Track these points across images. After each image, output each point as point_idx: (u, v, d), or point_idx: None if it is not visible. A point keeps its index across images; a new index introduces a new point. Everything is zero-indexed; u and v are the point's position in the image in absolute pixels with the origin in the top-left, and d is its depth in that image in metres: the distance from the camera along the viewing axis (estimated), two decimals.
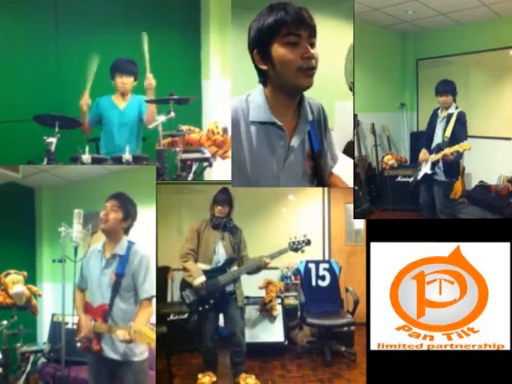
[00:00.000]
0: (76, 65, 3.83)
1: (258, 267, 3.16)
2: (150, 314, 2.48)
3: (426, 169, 3.71)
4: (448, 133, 3.62)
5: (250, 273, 3.21)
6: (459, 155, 3.50)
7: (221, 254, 3.18)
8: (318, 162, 1.80)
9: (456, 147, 3.47)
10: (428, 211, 3.88)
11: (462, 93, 3.78)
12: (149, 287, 2.48)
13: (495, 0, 4.03)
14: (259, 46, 1.61)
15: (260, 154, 1.67)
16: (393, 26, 4.85)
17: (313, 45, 1.60)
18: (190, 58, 4.35)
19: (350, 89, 2.36)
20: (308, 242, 3.25)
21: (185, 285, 3.14)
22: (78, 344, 2.49)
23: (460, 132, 3.60)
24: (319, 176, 1.85)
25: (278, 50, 1.58)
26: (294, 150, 1.73)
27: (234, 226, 3.26)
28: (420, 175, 3.76)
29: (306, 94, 1.74)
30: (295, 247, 3.23)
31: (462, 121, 3.62)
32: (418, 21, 4.68)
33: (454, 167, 3.57)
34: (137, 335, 2.30)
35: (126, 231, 2.58)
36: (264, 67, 1.62)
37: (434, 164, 3.67)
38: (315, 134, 1.78)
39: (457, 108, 3.67)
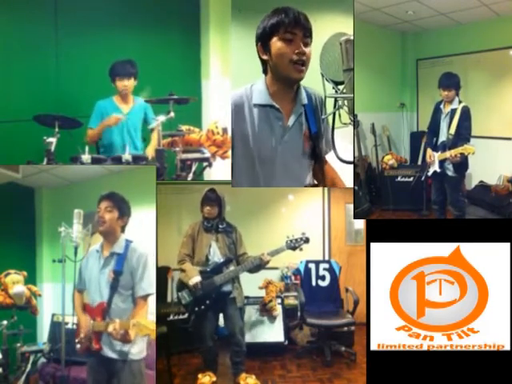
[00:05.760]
0: (76, 65, 3.84)
1: (258, 265, 3.15)
2: (145, 311, 2.47)
3: (434, 167, 3.73)
4: (452, 130, 3.62)
5: (250, 271, 3.19)
6: (464, 156, 3.51)
7: (216, 256, 3.16)
8: (316, 143, 2.09)
9: (460, 150, 3.47)
10: (438, 208, 3.91)
11: (462, 92, 3.78)
12: (146, 285, 2.49)
13: (495, 0, 4.04)
14: (262, 39, 1.93)
15: (261, 132, 1.98)
16: (393, 25, 4.85)
17: (307, 44, 1.90)
18: (190, 58, 4.35)
19: (327, 80, 2.39)
20: (306, 240, 3.21)
21: (181, 286, 3.13)
22: (78, 346, 2.49)
23: (464, 129, 3.60)
24: (317, 156, 2.13)
25: (276, 44, 1.89)
26: (290, 130, 2.03)
27: (227, 226, 3.24)
28: (430, 172, 3.77)
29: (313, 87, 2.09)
30: (293, 245, 3.19)
31: (465, 116, 3.61)
32: (418, 21, 4.68)
33: (462, 162, 3.58)
34: (136, 328, 2.30)
35: (123, 229, 2.59)
36: (265, 57, 1.94)
37: (442, 162, 3.69)
38: (312, 117, 2.07)
39: (460, 102, 3.66)
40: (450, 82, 3.67)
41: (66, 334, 2.85)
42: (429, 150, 3.79)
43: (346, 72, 2.34)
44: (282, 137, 2.01)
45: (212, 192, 3.21)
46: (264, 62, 1.98)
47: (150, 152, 3.60)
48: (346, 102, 2.34)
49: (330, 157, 2.24)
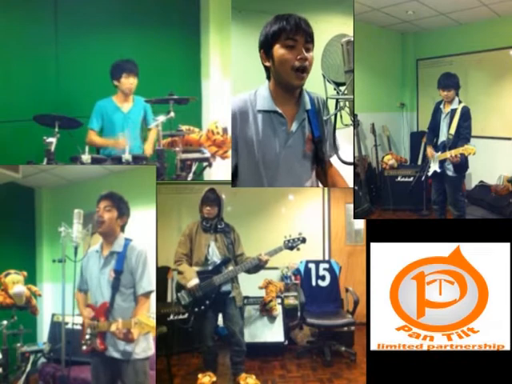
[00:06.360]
0: (76, 65, 3.84)
1: (257, 266, 3.15)
2: (147, 309, 2.48)
3: (434, 166, 3.73)
4: (452, 130, 3.62)
5: (248, 272, 3.20)
6: (464, 156, 3.51)
7: (215, 256, 3.16)
8: (318, 147, 2.12)
9: (461, 150, 3.47)
10: (438, 208, 3.90)
11: (462, 93, 3.78)
12: (146, 283, 2.50)
13: (495, 0, 4.03)
14: (265, 46, 1.96)
15: (265, 137, 2.01)
16: (393, 25, 4.85)
17: (308, 49, 1.93)
18: (190, 58, 4.35)
19: (328, 81, 2.39)
20: (303, 240, 3.23)
21: (180, 287, 3.13)
22: (84, 347, 2.50)
23: (464, 129, 3.60)
24: (320, 160, 2.15)
25: (279, 51, 1.92)
26: (294, 135, 2.06)
27: (225, 226, 3.25)
28: (430, 172, 3.78)
29: (312, 89, 2.11)
30: (290, 245, 3.21)
31: (465, 117, 3.61)
32: (417, 21, 4.68)
33: (462, 163, 3.57)
34: (138, 326, 2.31)
35: (123, 228, 2.59)
36: (267, 64, 1.97)
37: (442, 162, 3.69)
38: (315, 121, 2.09)
39: (460, 102, 3.66)
40: (449, 83, 3.67)
41: (66, 334, 2.86)
42: (429, 147, 3.80)
43: (347, 73, 2.34)
44: (286, 142, 2.04)
45: (212, 192, 3.21)
46: (267, 69, 2.00)
47: (148, 150, 3.60)
48: (347, 103, 2.34)
49: (332, 158, 2.25)
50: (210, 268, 3.13)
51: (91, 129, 3.56)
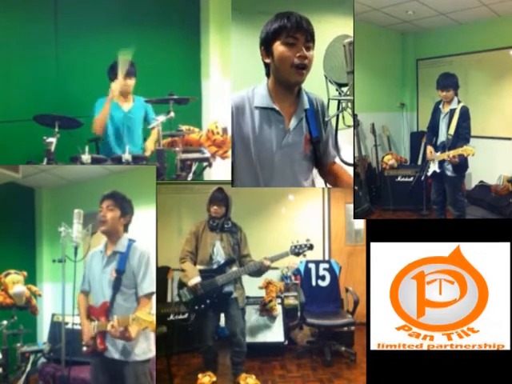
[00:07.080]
0: (76, 65, 3.84)
1: (259, 270, 3.15)
2: (148, 309, 2.48)
3: (434, 167, 3.73)
4: (452, 130, 3.63)
5: (251, 275, 3.20)
6: (463, 156, 3.51)
7: (220, 255, 3.16)
8: (317, 148, 2.11)
9: (460, 151, 3.47)
10: (438, 208, 3.91)
11: (462, 92, 3.78)
12: (147, 284, 2.51)
13: (495, 0, 4.04)
14: (265, 43, 1.97)
15: (262, 134, 2.01)
16: (393, 25, 4.85)
17: (309, 48, 1.93)
18: (190, 58, 4.35)
19: (330, 82, 2.39)
20: (310, 247, 3.22)
21: (182, 284, 3.14)
22: (84, 348, 2.50)
23: (463, 129, 3.60)
24: (319, 160, 2.15)
25: (279, 48, 1.92)
26: (291, 133, 2.05)
27: (232, 226, 3.25)
28: (430, 172, 3.78)
29: (314, 90, 2.11)
30: (297, 251, 3.20)
31: (465, 117, 3.62)
32: (417, 21, 4.68)
33: (461, 163, 3.58)
34: (135, 322, 2.31)
35: (126, 228, 2.59)
36: (267, 61, 1.98)
37: (442, 162, 3.69)
38: (314, 121, 2.09)
39: (459, 102, 3.66)
40: (448, 83, 3.68)
41: (66, 334, 2.86)
42: (429, 147, 3.80)
43: (349, 74, 2.35)
44: (283, 140, 2.04)
45: (220, 192, 3.21)
46: (267, 66, 2.00)
47: (150, 147, 3.60)
48: (349, 103, 2.34)
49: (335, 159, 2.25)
50: (214, 267, 3.13)
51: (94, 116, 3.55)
